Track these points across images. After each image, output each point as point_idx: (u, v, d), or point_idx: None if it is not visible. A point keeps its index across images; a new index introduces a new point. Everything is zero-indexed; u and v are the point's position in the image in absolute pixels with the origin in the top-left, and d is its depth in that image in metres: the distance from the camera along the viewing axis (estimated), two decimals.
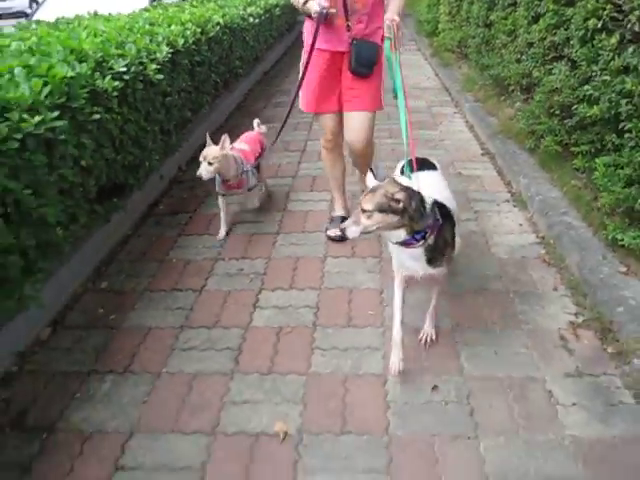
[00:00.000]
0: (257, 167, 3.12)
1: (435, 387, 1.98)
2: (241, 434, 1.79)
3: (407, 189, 1.75)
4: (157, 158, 3.25)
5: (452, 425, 1.80)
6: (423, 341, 2.18)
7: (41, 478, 1.68)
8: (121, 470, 1.68)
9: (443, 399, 1.92)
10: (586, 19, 2.75)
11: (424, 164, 2.22)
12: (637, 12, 2.34)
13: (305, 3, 2.50)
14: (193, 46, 3.76)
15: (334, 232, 2.88)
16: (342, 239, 2.76)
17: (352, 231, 1.77)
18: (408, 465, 1.66)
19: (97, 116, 2.34)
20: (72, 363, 2.14)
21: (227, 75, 4.96)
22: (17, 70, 2.04)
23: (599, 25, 2.62)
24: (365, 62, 2.55)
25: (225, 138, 2.74)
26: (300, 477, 1.64)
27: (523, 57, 3.92)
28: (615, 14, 2.54)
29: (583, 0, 2.78)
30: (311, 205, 3.40)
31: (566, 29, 3.14)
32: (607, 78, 2.51)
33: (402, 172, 2.18)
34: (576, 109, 2.95)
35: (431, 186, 1.99)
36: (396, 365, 1.97)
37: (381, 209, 1.71)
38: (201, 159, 2.75)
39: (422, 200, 1.76)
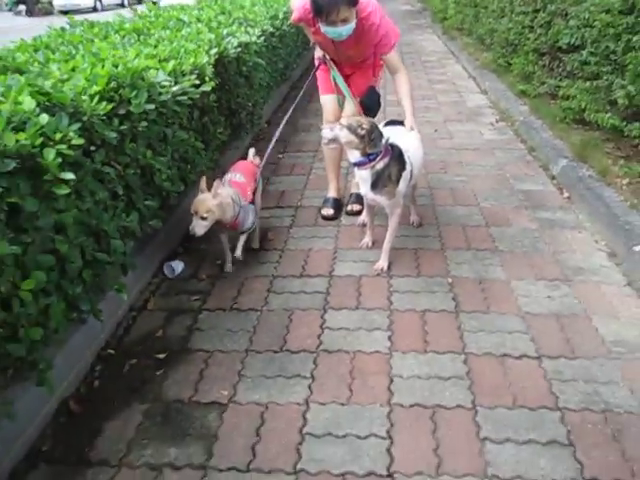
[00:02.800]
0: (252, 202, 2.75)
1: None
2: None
3: (372, 124, 2.37)
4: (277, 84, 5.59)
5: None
6: (377, 272, 2.67)
7: (231, 445, 1.75)
8: (310, 435, 1.76)
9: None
10: None
11: (401, 123, 2.80)
12: None
13: (314, 43, 3.05)
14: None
15: (326, 212, 3.26)
16: (334, 218, 3.24)
17: (326, 132, 2.41)
18: None
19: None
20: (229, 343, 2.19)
21: (299, 50, 6.65)
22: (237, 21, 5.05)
23: None
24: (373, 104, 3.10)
25: (217, 184, 2.41)
26: None
27: (490, 19, 7.01)
28: None
29: None
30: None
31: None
32: (513, 16, 5.59)
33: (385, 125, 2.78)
34: (509, 39, 6.02)
35: (399, 136, 2.57)
36: (365, 242, 2.91)
37: (349, 129, 2.34)
38: (192, 211, 2.38)
39: (380, 135, 2.39)
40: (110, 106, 1.89)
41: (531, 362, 2.10)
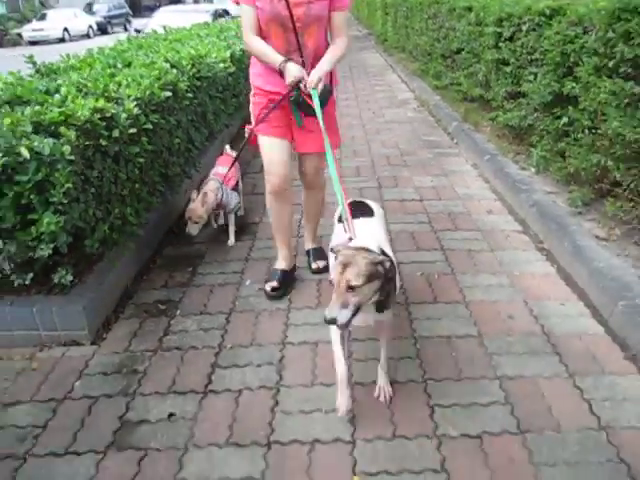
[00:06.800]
0: (235, 188, 3.37)
1: None
2: None
3: (380, 254, 1.71)
4: None
5: None
6: (381, 398, 2.02)
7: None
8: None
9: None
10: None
11: (362, 210, 2.18)
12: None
13: (286, 62, 2.32)
14: None
15: (270, 285, 2.75)
16: (280, 296, 2.73)
17: (344, 316, 1.59)
18: None
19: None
20: None
21: None
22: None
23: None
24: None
25: (204, 194, 3.04)
26: None
27: (415, 37, 9.14)
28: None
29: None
30: None
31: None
32: (428, 32, 7.69)
33: (339, 219, 2.15)
34: (427, 50, 8.12)
35: (367, 232, 1.97)
36: (344, 406, 1.84)
37: (370, 278, 1.60)
38: (186, 218, 3.05)
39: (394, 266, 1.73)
40: (195, 70, 3.74)
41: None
